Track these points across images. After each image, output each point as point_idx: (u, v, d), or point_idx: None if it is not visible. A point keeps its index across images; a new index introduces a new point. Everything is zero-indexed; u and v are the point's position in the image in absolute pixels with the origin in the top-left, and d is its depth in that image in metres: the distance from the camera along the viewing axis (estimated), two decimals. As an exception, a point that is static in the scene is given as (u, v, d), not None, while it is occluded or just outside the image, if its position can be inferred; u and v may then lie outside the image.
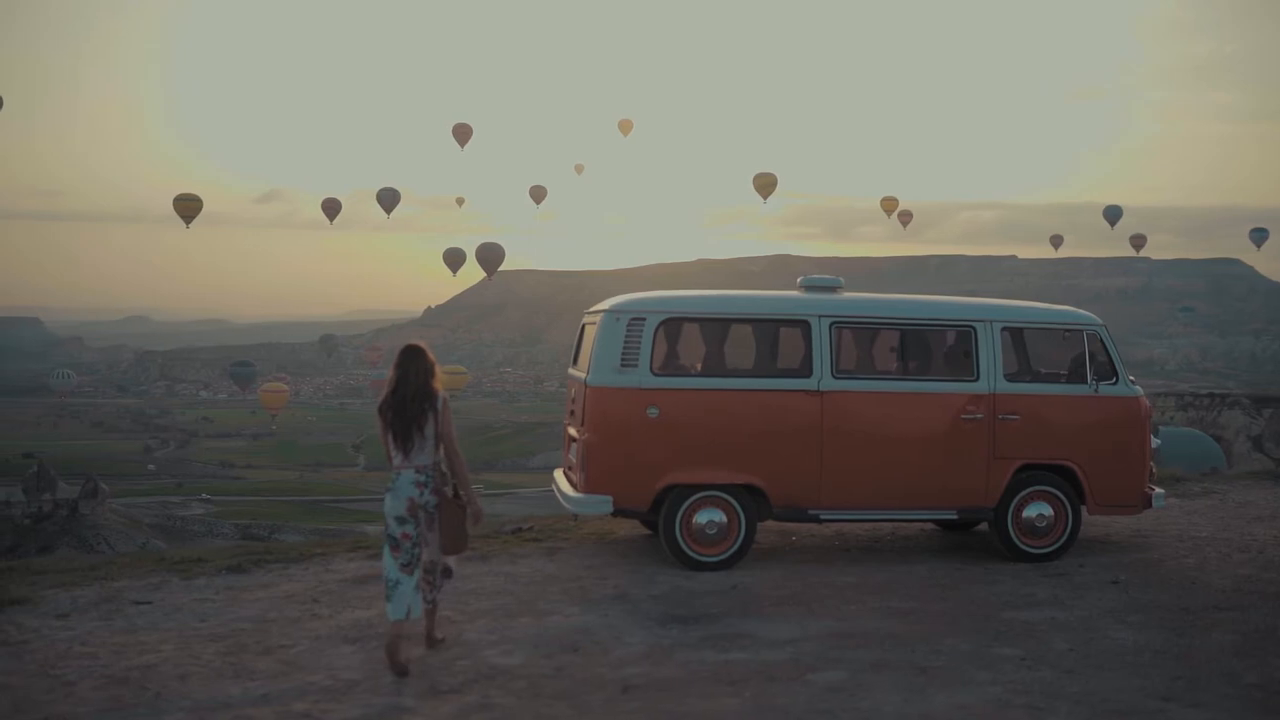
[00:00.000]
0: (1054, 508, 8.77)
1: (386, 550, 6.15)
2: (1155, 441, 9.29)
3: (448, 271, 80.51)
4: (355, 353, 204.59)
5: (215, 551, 9.33)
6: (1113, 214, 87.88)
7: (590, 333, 8.86)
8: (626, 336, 8.39)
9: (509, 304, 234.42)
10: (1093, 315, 9.15)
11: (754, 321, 8.80)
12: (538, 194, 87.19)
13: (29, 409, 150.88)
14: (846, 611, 7.30)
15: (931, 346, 9.08)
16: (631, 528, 9.70)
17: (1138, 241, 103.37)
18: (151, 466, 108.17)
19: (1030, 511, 8.75)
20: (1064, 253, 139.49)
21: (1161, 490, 9.19)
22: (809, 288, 9.09)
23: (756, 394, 8.53)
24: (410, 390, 6.18)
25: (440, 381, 6.36)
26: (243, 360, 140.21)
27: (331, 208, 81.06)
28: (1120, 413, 8.93)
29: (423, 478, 6.15)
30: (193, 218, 69.24)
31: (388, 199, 74.94)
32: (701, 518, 8.37)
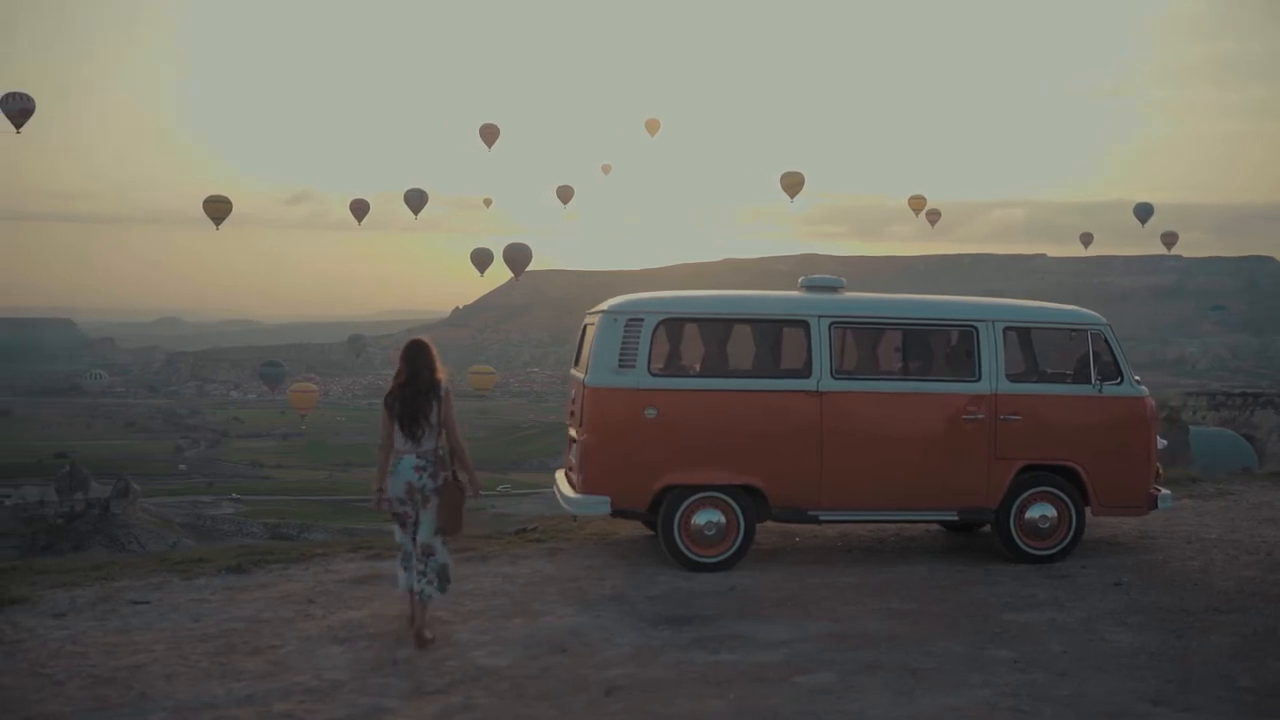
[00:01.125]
0: (1057, 509, 8.68)
1: (396, 527, 6.69)
2: (1161, 442, 9.17)
3: (475, 272, 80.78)
4: (384, 353, 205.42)
5: (218, 552, 9.39)
6: (1143, 211, 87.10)
7: (591, 334, 8.85)
8: (624, 337, 8.37)
9: (536, 304, 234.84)
10: (1097, 314, 9.06)
11: (753, 322, 8.77)
12: (565, 194, 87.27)
13: (62, 409, 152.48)
14: (843, 613, 7.26)
15: (932, 346, 9.02)
16: (634, 529, 9.68)
17: (1169, 239, 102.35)
18: (182, 466, 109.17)
19: (1033, 513, 8.66)
20: (1094, 251, 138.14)
21: (1168, 491, 9.08)
22: (810, 288, 9.04)
23: (755, 394, 8.49)
24: (420, 382, 6.60)
25: (443, 373, 6.74)
26: (272, 361, 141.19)
27: (360, 209, 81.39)
28: (1125, 413, 8.83)
29: (422, 463, 6.54)
30: (223, 219, 69.72)
31: (415, 200, 75.21)
32: (700, 519, 8.34)
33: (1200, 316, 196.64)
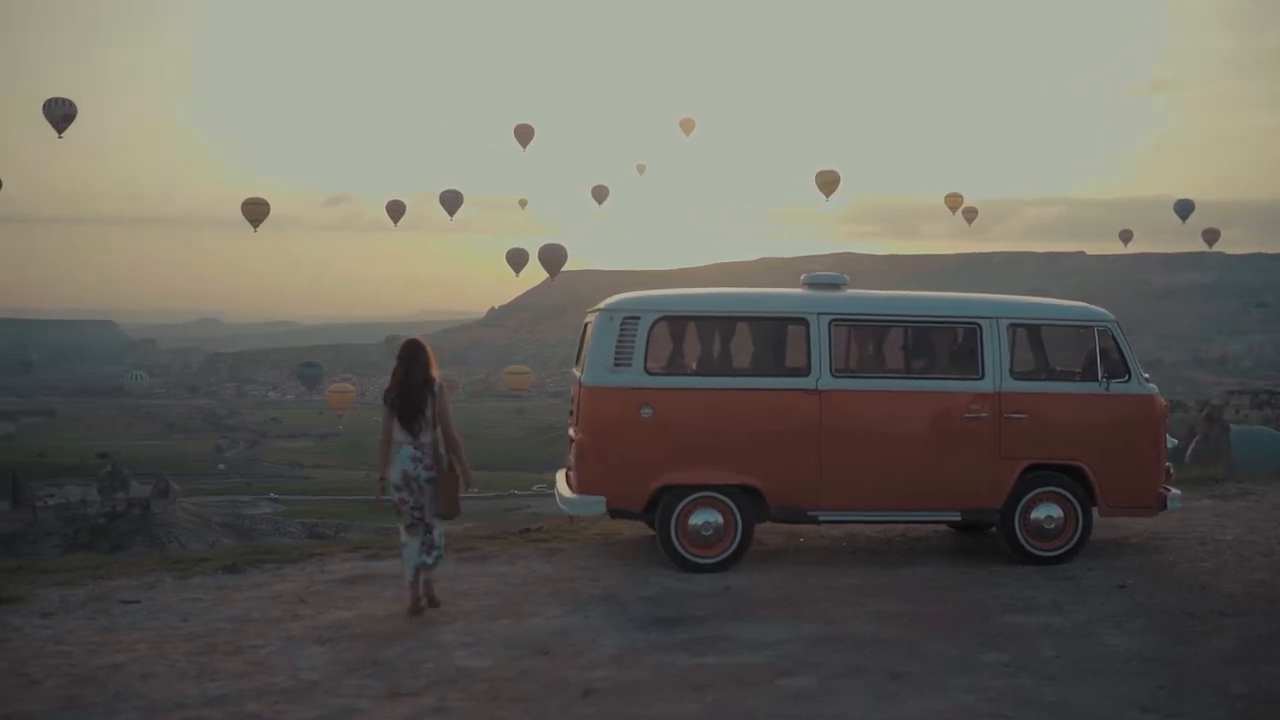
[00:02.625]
0: (1063, 509, 8.51)
1: (399, 514, 7.10)
2: (1171, 441, 8.98)
3: (511, 272, 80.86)
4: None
5: (217, 552, 9.40)
6: (1184, 208, 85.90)
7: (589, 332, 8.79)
8: (620, 335, 8.30)
9: (572, 304, 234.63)
10: (1104, 311, 8.88)
11: (751, 319, 8.66)
12: (600, 194, 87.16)
13: (103, 410, 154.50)
14: (837, 615, 7.15)
15: (935, 344, 8.87)
16: (637, 529, 9.59)
17: (1210, 236, 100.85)
18: (221, 466, 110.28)
19: (1039, 513, 8.50)
20: (1133, 248, 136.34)
21: (1178, 491, 8.88)
22: (812, 285, 8.93)
23: (753, 393, 8.39)
24: (416, 380, 7.08)
25: (437, 371, 7.24)
26: (310, 361, 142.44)
27: (396, 210, 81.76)
28: (1133, 411, 8.65)
29: (419, 454, 7.03)
30: (260, 221, 70.27)
31: (451, 201, 75.40)
32: (697, 519, 8.24)
33: (1243, 314, 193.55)
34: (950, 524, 9.37)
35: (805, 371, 8.36)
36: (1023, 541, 8.51)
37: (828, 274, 8.99)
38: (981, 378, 8.48)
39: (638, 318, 8.34)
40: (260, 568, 8.37)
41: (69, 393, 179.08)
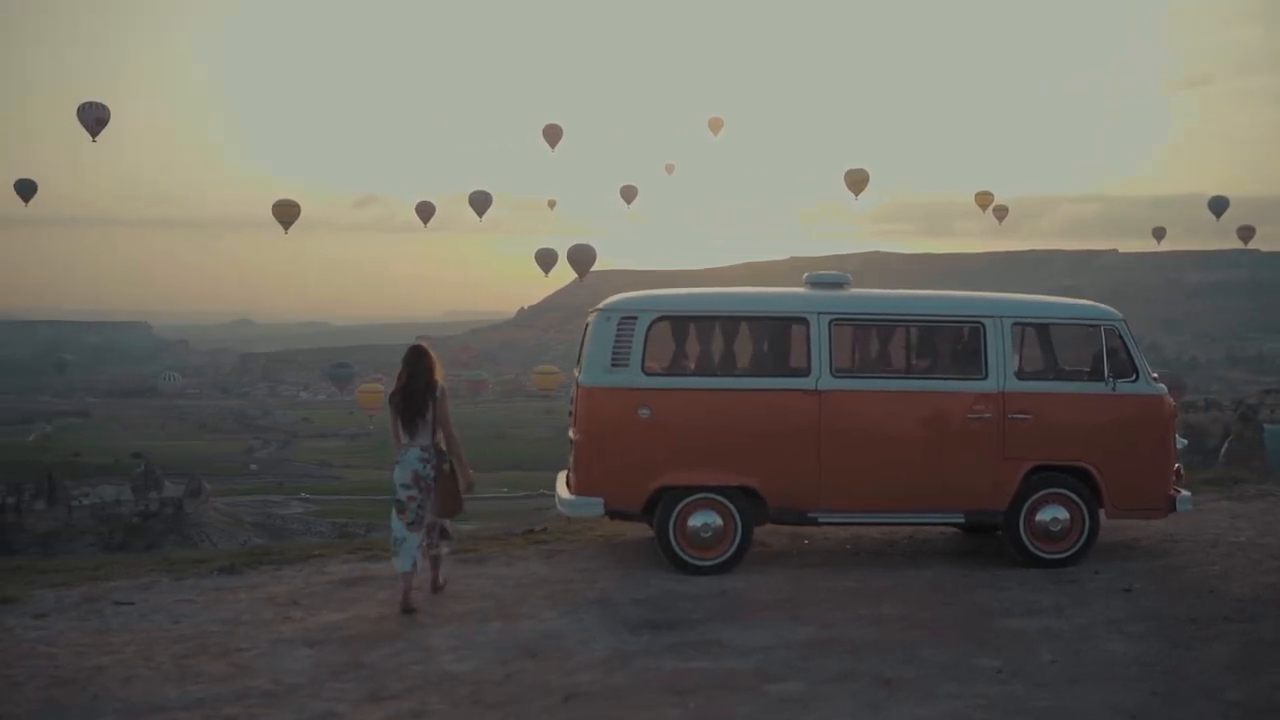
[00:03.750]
0: (1069, 511, 8.37)
1: (394, 513, 7.34)
2: (1181, 442, 8.81)
3: (540, 272, 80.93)
4: (450, 354, 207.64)
5: (216, 553, 9.41)
6: (1218, 205, 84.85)
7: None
8: (617, 335, 8.23)
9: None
10: (1112, 309, 8.73)
11: (750, 319, 8.57)
12: (628, 194, 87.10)
13: (138, 410, 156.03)
14: (833, 618, 7.05)
15: (937, 343, 8.75)
16: (641, 530, 9.52)
17: (1245, 233, 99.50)
18: (253, 466, 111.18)
19: (1044, 515, 8.35)
20: (1166, 246, 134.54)
21: (1188, 493, 8.70)
22: (814, 284, 8.82)
23: (752, 393, 8.30)
24: (418, 383, 7.36)
25: (440, 375, 7.49)
26: (341, 362, 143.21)
27: (426, 211, 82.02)
28: (1140, 412, 8.49)
29: (425, 454, 7.31)
30: (291, 223, 70.68)
31: (480, 201, 75.57)
32: (696, 521, 8.16)
33: (1279, 312, 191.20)
34: (956, 525, 9.25)
35: (805, 371, 8.25)
36: (1028, 544, 8.37)
37: (830, 273, 8.88)
38: (985, 377, 8.34)
39: (635, 318, 8.27)
40: (258, 569, 8.36)
41: (104, 393, 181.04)
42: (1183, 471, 8.88)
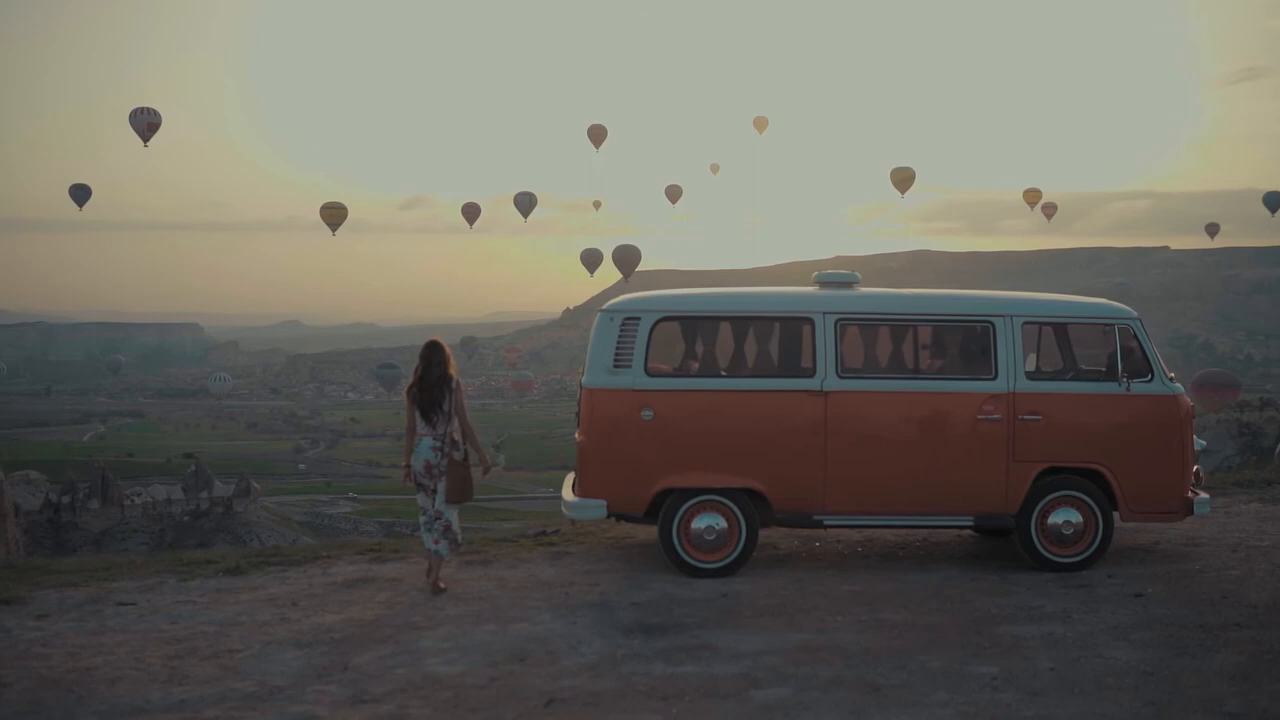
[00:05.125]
0: (1082, 514, 8.20)
1: (420, 495, 7.80)
2: (1199, 443, 8.59)
3: (585, 273, 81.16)
4: (496, 354, 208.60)
5: (224, 553, 9.45)
6: (1273, 200, 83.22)
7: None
8: (620, 337, 8.17)
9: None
10: (1126, 308, 8.53)
11: (754, 319, 8.48)
12: (673, 194, 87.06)
13: (189, 411, 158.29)
14: (830, 623, 6.94)
15: (945, 343, 8.60)
16: (653, 533, 9.44)
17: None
18: (302, 466, 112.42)
19: (1056, 518, 8.19)
20: (1220, 242, 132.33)
21: (1206, 496, 8.47)
22: (823, 283, 8.72)
23: (756, 395, 8.20)
24: (434, 376, 7.72)
25: (454, 368, 7.85)
26: (388, 363, 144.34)
27: (471, 212, 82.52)
28: (1155, 413, 8.29)
29: (438, 444, 7.69)
30: (338, 225, 71.35)
31: (525, 203, 75.91)
32: (700, 523, 8.09)
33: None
34: (967, 528, 9.09)
35: (810, 372, 8.15)
36: (1040, 547, 8.21)
37: (839, 273, 8.77)
38: (994, 378, 8.19)
39: (638, 318, 8.21)
40: (264, 570, 8.38)
41: (156, 394, 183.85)
42: (1202, 473, 8.66)
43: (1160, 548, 8.93)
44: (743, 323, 8.49)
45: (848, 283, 8.69)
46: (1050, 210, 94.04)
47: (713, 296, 8.72)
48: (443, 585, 7.71)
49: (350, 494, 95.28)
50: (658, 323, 8.23)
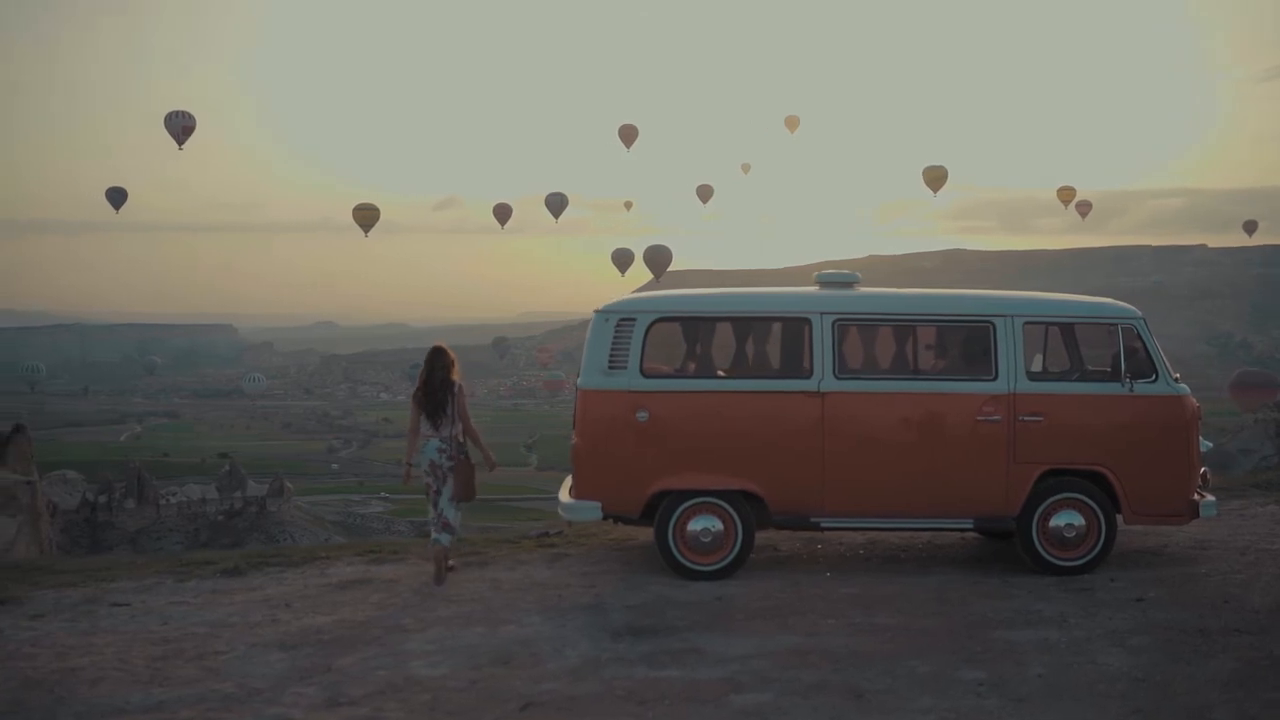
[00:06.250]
0: (1085, 517, 8.07)
1: (427, 496, 8.18)
2: (1205, 445, 8.44)
3: (616, 273, 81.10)
4: (527, 354, 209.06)
5: (224, 554, 9.49)
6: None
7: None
8: (615, 337, 8.13)
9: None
10: (1130, 307, 8.39)
11: (751, 320, 8.42)
12: (704, 193, 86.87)
13: (223, 411, 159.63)
14: (822, 626, 6.86)
15: (945, 344, 8.50)
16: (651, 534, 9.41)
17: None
18: (335, 466, 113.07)
19: (1058, 521, 8.07)
20: (1258, 240, 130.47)
21: (1212, 498, 8.32)
22: (824, 283, 8.64)
23: (753, 396, 8.13)
24: (437, 381, 8.10)
25: (457, 373, 8.26)
26: (420, 363, 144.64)
27: (503, 213, 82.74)
28: (1159, 414, 8.15)
29: (444, 445, 8.07)
30: (371, 226, 71.74)
31: (556, 203, 76.04)
32: (696, 525, 8.03)
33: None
34: (968, 531, 8.98)
35: (807, 373, 8.07)
36: (1041, 550, 8.09)
37: (839, 272, 8.69)
38: (995, 378, 8.08)
39: (633, 319, 8.16)
40: (262, 571, 8.41)
41: (191, 394, 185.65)
42: (1209, 476, 8.51)
43: (1168, 550, 8.78)
44: (740, 323, 8.43)
45: (847, 282, 8.60)
46: (1085, 208, 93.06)
47: (709, 297, 8.66)
48: (452, 563, 8.22)
49: (382, 494, 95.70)
50: (653, 324, 8.18)
